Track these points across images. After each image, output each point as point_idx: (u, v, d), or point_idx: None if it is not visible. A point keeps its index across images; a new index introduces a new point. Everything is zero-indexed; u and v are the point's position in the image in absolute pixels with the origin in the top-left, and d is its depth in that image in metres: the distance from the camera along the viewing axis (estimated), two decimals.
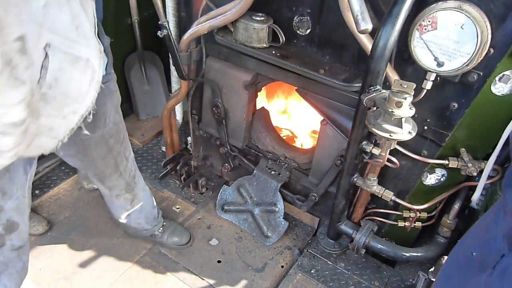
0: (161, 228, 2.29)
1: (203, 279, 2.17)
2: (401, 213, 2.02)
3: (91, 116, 1.23)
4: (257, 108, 2.38)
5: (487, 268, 0.98)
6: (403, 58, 1.59)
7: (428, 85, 1.53)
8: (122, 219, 2.11)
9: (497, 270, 0.94)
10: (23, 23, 0.87)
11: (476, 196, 1.75)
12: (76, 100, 1.16)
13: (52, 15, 1.00)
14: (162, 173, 2.59)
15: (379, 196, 1.89)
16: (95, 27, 1.18)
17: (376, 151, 1.70)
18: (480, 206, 1.84)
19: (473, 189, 1.92)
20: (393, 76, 1.59)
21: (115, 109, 1.63)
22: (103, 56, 1.26)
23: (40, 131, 1.13)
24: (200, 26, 1.94)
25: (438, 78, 1.54)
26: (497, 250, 0.95)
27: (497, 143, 1.72)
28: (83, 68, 1.13)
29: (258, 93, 2.27)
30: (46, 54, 1.00)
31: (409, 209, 1.97)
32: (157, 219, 2.23)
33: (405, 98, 1.35)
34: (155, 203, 2.20)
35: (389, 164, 1.77)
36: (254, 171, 2.40)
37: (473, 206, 1.87)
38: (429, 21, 1.41)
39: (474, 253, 1.06)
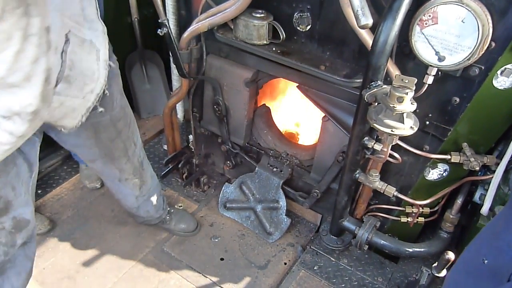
0: (168, 216, 2.32)
1: (206, 277, 2.17)
2: (403, 209, 2.02)
3: (107, 92, 1.39)
4: (258, 105, 2.38)
5: (501, 278, 0.95)
6: (404, 53, 1.59)
7: (430, 79, 1.52)
8: (131, 208, 2.11)
9: None
10: (49, 12, 0.93)
11: (485, 208, 1.73)
12: (92, 79, 1.28)
13: (67, 2, 1.11)
14: (164, 172, 2.59)
15: (382, 192, 1.88)
16: (97, 9, 1.25)
17: (378, 146, 1.69)
18: (483, 201, 1.83)
19: (475, 183, 1.92)
20: (394, 71, 1.59)
21: (120, 92, 1.64)
22: (106, 37, 1.36)
23: (64, 114, 1.28)
24: (200, 24, 1.94)
25: (440, 73, 1.53)
26: (511, 258, 0.93)
27: (500, 138, 1.72)
28: (88, 49, 1.23)
29: (259, 90, 2.27)
30: (67, 39, 1.11)
31: (412, 205, 1.97)
32: (163, 207, 2.26)
33: (407, 93, 1.34)
34: (161, 191, 2.22)
35: (391, 159, 1.76)
36: (256, 169, 2.40)
37: (476, 201, 1.87)
38: (429, 16, 1.40)
39: (486, 261, 1.02)
